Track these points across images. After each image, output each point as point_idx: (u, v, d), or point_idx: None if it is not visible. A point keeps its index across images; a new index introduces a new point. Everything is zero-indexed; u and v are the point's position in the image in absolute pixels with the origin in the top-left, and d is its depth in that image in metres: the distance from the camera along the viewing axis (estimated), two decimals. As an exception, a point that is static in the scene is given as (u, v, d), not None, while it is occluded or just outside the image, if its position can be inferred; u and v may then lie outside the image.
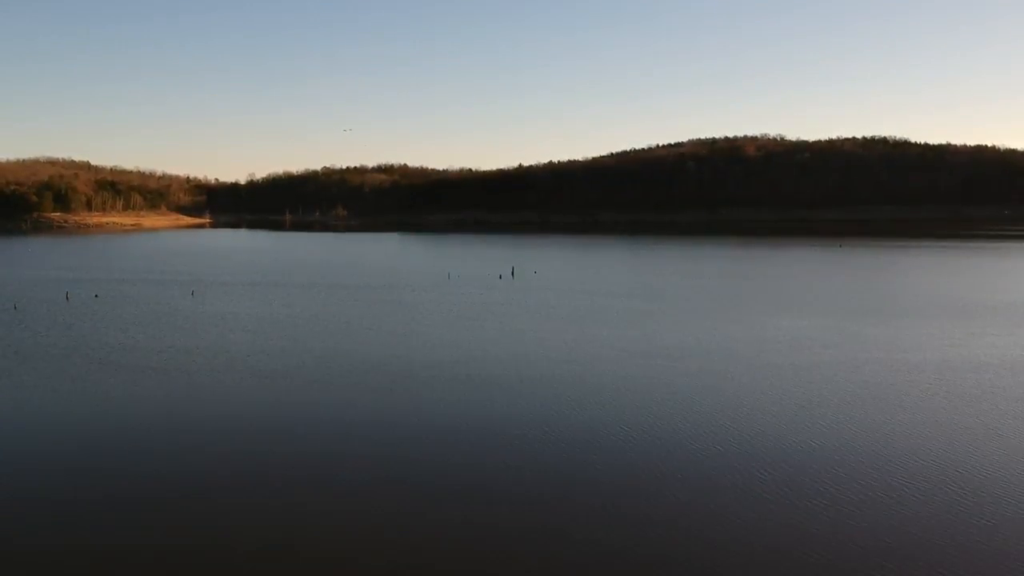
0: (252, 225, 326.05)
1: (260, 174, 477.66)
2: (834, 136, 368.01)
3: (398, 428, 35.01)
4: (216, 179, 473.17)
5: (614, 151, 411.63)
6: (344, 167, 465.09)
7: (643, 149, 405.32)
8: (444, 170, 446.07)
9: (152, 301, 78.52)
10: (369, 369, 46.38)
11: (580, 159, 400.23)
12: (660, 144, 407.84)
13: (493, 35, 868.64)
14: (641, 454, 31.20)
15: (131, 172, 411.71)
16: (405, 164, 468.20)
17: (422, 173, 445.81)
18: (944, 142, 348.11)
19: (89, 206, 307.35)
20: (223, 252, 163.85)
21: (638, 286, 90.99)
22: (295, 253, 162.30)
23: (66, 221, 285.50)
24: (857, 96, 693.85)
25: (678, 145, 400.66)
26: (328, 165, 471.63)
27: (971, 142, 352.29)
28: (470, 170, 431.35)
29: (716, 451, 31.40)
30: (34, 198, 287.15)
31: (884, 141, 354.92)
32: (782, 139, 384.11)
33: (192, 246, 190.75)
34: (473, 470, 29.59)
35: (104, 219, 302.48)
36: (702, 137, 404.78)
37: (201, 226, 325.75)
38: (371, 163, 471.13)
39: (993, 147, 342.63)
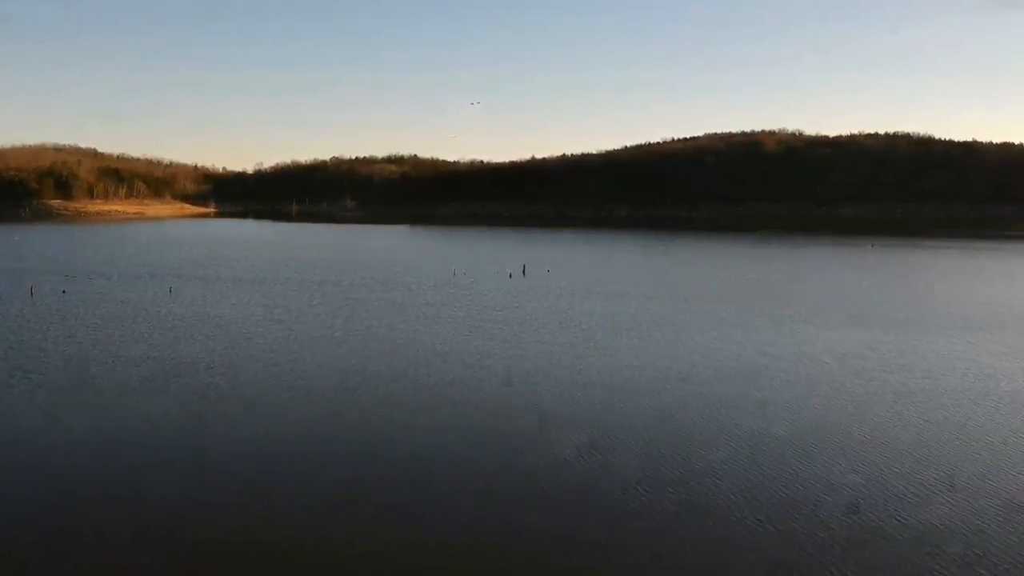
0: (258, 215, 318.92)
1: (269, 163, 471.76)
2: (855, 132, 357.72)
3: (374, 458, 27.33)
4: (224, 168, 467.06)
5: (629, 144, 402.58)
6: (353, 157, 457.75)
7: (659, 142, 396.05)
8: (455, 161, 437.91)
9: (123, 299, 70.88)
10: (344, 389, 38.50)
11: (594, 152, 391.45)
12: (676, 138, 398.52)
13: (506, 23, 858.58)
14: (676, 510, 23.25)
15: (137, 160, 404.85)
16: (415, 155, 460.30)
17: (432, 164, 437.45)
18: (970, 139, 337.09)
19: (91, 193, 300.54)
20: (219, 243, 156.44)
21: (658, 287, 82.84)
22: (295, 245, 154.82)
23: (66, 209, 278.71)
24: (878, 91, 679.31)
25: (695, 139, 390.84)
26: (337, 155, 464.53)
27: (997, 139, 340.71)
28: (482, 162, 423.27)
29: (761, 499, 23.44)
30: (34, 185, 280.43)
31: (908, 137, 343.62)
32: (800, 134, 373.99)
33: (190, 236, 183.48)
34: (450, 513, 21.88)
35: (106, 207, 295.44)
36: (719, 131, 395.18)
37: (206, 216, 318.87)
38: (380, 154, 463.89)
39: (1021, 145, 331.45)
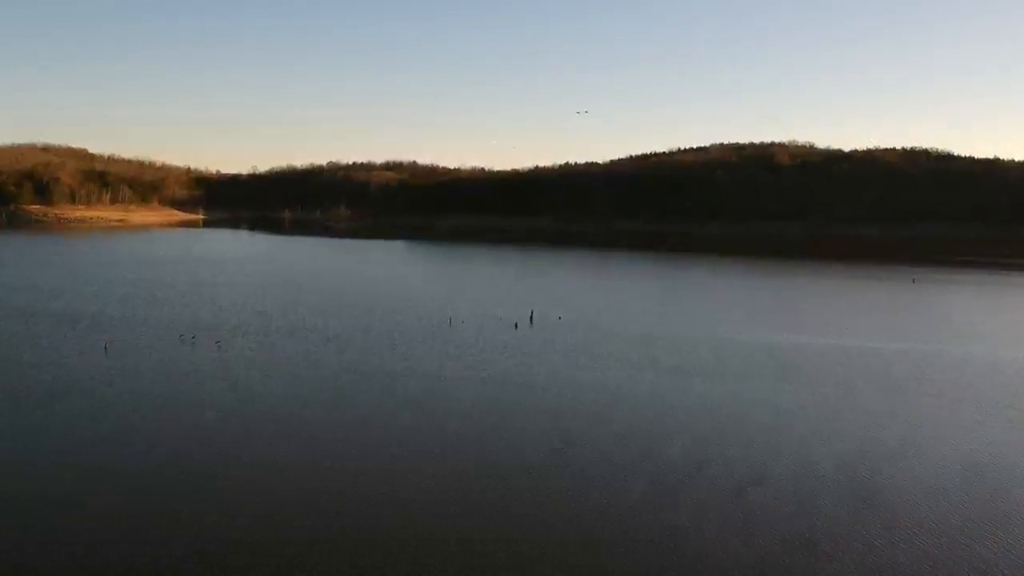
0: (249, 223, 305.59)
1: (264, 167, 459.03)
2: (872, 146, 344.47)
3: None
4: (218, 171, 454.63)
5: (634, 154, 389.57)
6: (351, 163, 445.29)
7: (665, 153, 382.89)
8: (456, 169, 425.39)
9: (36, 361, 57.33)
10: (275, 523, 25.06)
11: (599, 162, 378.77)
12: (683, 148, 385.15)
13: (510, 29, 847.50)
14: None
15: (127, 162, 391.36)
16: (414, 161, 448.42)
17: (432, 172, 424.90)
18: (992, 156, 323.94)
19: (73, 198, 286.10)
20: (193, 266, 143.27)
21: (698, 347, 68.53)
22: (276, 269, 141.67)
23: (46, 215, 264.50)
24: (893, 105, 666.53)
25: (703, 150, 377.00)
26: (335, 160, 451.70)
27: (1020, 157, 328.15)
28: (482, 169, 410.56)
29: None
30: (12, 188, 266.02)
31: (926, 153, 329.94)
32: (811, 147, 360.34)
33: (164, 255, 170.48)
34: None
35: (88, 213, 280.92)
36: (727, 142, 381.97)
37: (193, 223, 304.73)
38: (379, 159, 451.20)
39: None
